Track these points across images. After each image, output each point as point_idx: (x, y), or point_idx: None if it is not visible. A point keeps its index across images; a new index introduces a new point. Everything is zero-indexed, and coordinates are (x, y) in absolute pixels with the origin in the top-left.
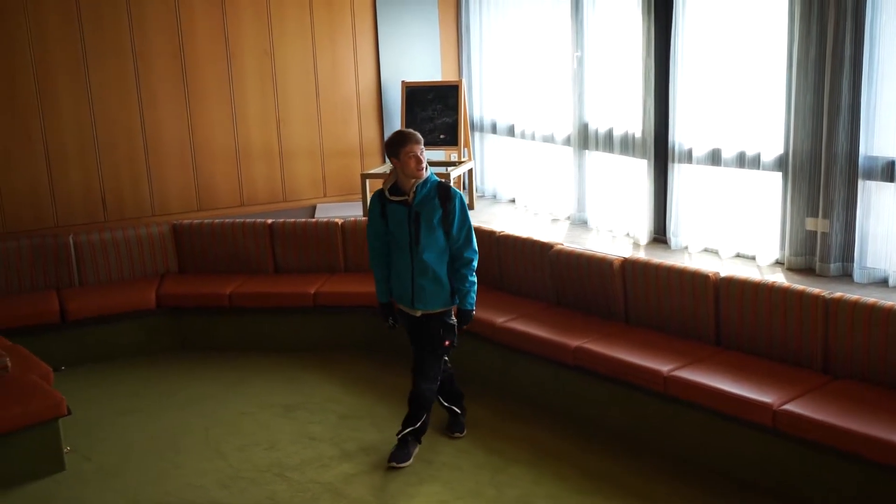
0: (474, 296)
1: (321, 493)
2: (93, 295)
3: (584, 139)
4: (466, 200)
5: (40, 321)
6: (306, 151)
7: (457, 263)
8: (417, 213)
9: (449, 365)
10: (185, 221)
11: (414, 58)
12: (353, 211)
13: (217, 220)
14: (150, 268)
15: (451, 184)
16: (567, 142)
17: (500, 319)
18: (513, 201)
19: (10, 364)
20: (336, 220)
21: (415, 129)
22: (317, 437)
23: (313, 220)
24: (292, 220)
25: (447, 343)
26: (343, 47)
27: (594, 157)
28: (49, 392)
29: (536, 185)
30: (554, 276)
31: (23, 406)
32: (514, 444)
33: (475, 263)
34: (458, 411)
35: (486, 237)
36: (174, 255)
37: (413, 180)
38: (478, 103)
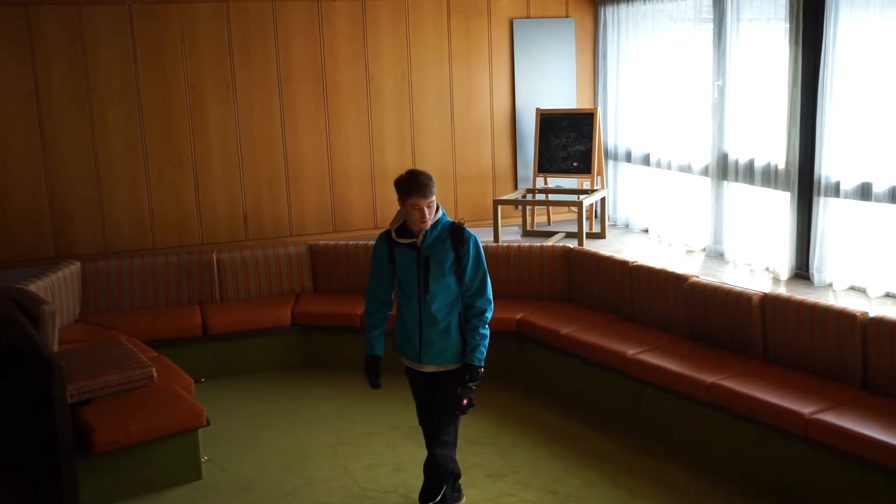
0: (485, 350)
1: None
2: (233, 310)
3: (723, 169)
4: (480, 242)
5: (184, 334)
6: (439, 176)
7: (469, 313)
8: (427, 257)
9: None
10: (321, 242)
11: (549, 85)
12: (483, 236)
13: (351, 242)
14: (286, 286)
15: (584, 212)
16: (705, 172)
17: (630, 351)
18: (646, 231)
19: (155, 374)
20: None
21: (549, 157)
22: None
23: None
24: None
25: (465, 402)
26: (479, 73)
27: (733, 187)
28: (190, 403)
29: (671, 215)
30: (688, 310)
31: (166, 416)
32: (641, 479)
33: (489, 314)
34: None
35: (619, 267)
36: (309, 275)
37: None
38: (612, 131)
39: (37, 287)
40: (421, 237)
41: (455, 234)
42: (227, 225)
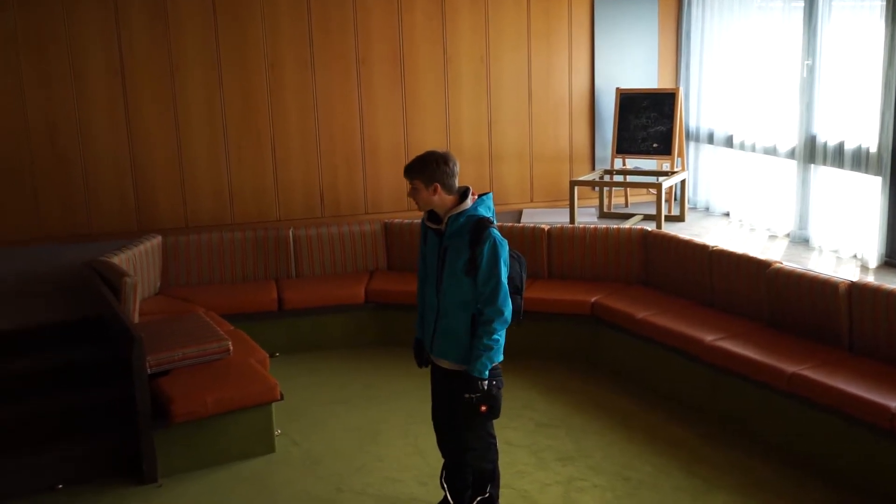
0: (489, 363)
1: (515, 500)
2: (308, 286)
3: (811, 152)
4: (506, 248)
5: (259, 309)
6: (516, 155)
7: (479, 319)
8: (446, 248)
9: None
10: (396, 220)
11: (630, 64)
12: (559, 217)
13: None
14: (360, 264)
15: (662, 194)
16: (791, 154)
17: (709, 337)
18: (727, 215)
19: (231, 348)
20: (542, 226)
21: (628, 137)
22: (513, 442)
23: (519, 224)
24: (499, 223)
25: (484, 409)
26: (558, 52)
27: (821, 171)
28: (265, 377)
29: (754, 198)
30: (770, 297)
31: (241, 388)
32: (718, 468)
33: (498, 326)
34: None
35: (699, 251)
36: (384, 253)
37: (443, 210)
38: (694, 112)
39: (119, 260)
40: (445, 224)
41: (475, 231)
42: (303, 201)
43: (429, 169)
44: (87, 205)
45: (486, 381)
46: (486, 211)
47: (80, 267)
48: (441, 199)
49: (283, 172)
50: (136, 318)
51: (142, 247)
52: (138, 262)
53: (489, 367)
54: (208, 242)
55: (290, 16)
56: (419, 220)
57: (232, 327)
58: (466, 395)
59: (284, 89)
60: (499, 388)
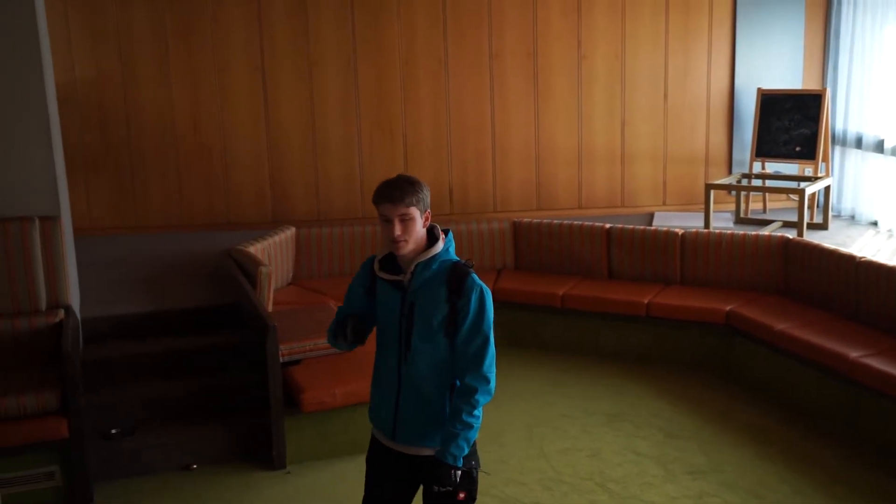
0: (466, 447)
1: None
2: None
3: None
4: (491, 298)
5: None
6: (649, 156)
7: (456, 390)
8: (412, 304)
9: None
10: (525, 220)
11: (773, 64)
12: (693, 222)
13: (556, 221)
14: (488, 262)
15: (805, 200)
16: None
17: (853, 354)
18: (874, 224)
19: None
20: (676, 230)
21: (769, 140)
22: (641, 452)
23: (652, 227)
24: (630, 226)
25: (462, 497)
26: (697, 51)
27: None
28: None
29: None
30: None
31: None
32: (860, 492)
33: (481, 398)
34: None
35: (844, 262)
36: (512, 252)
37: (404, 255)
38: (841, 114)
39: (255, 249)
40: (409, 274)
41: (453, 280)
42: (432, 198)
43: (422, 192)
44: (226, 195)
45: (460, 470)
46: (454, 254)
47: (219, 255)
48: (419, 236)
49: (414, 168)
50: (270, 307)
51: (276, 237)
52: (273, 252)
53: (466, 452)
54: (339, 235)
55: (425, 13)
56: (548, 221)
57: None
58: (437, 489)
59: (418, 85)
60: (477, 468)
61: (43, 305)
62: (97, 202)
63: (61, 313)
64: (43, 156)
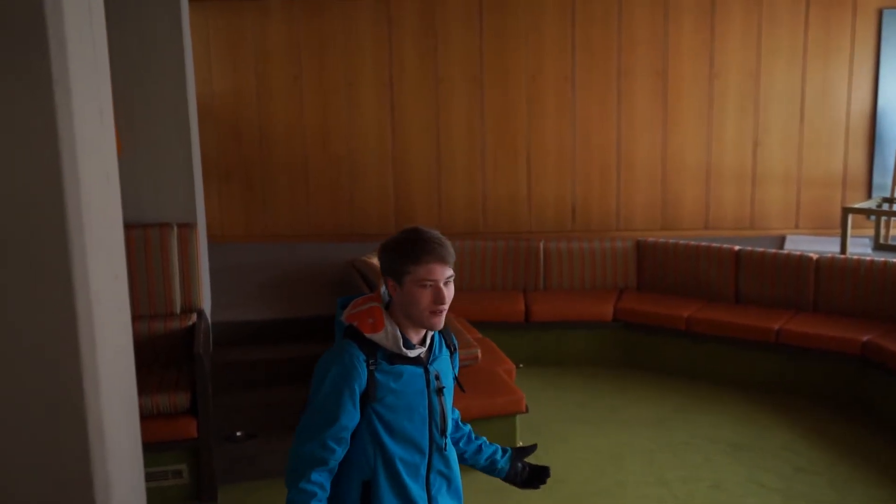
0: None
1: None
2: (555, 300)
3: None
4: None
5: (507, 319)
6: (781, 178)
7: (460, 429)
8: (437, 375)
9: None
10: (650, 239)
11: None
12: (827, 246)
13: (682, 242)
14: (609, 281)
15: None
16: None
17: None
18: None
19: (480, 355)
20: (811, 254)
21: None
22: (767, 485)
23: (784, 251)
24: (761, 249)
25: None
26: (837, 69)
27: None
28: (512, 388)
29: None
30: None
31: (488, 398)
32: None
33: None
34: None
35: None
36: (634, 271)
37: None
38: None
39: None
40: (428, 345)
41: (447, 336)
42: (554, 215)
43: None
44: (351, 206)
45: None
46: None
47: (343, 265)
48: None
49: (537, 184)
50: None
51: None
52: None
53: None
54: (461, 249)
55: (553, 30)
56: (674, 241)
57: (480, 335)
58: (540, 486)
59: (544, 101)
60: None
61: (177, 309)
62: (229, 211)
63: (194, 317)
64: (184, 165)
